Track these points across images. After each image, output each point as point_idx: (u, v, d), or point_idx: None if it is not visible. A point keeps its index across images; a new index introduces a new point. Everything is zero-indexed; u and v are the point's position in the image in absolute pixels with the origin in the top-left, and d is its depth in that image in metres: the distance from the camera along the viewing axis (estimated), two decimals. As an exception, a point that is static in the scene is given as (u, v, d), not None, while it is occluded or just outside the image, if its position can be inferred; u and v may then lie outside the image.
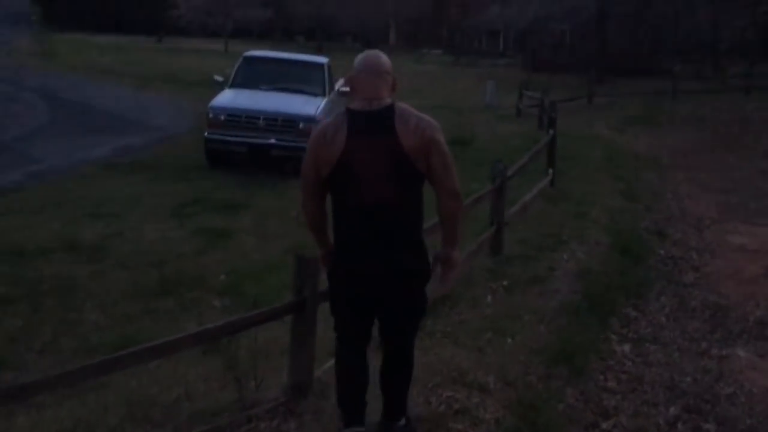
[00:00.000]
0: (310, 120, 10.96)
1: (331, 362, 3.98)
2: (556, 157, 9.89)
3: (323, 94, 12.04)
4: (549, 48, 36.34)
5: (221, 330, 3.37)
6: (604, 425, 3.86)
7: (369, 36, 49.87)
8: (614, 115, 18.51)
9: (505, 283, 5.65)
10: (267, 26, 47.85)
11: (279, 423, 3.47)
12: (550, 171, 9.38)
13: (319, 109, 11.35)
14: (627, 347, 4.88)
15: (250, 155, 10.90)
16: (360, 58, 3.06)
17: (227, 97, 11.57)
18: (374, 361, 3.25)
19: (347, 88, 13.65)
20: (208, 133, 11.03)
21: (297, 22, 51.18)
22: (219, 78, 12.32)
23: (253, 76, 12.14)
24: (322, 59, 13.45)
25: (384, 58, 3.07)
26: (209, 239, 7.62)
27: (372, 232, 2.92)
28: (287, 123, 10.93)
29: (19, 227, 7.58)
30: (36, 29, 52.11)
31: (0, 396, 3.00)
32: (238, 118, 10.99)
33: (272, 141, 10.85)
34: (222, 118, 11.01)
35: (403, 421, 3.27)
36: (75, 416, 3.79)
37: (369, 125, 2.91)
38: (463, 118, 17.42)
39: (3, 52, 33.75)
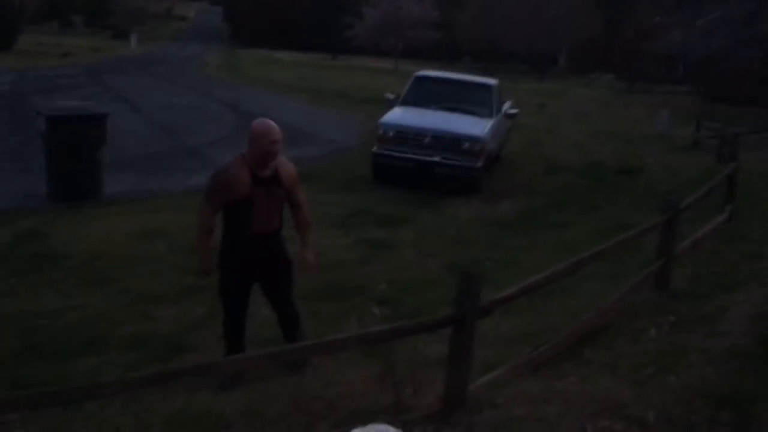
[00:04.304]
0: (476, 140, 11.08)
1: (488, 377, 4.05)
2: (737, 192, 9.27)
3: (491, 116, 12.11)
4: (730, 77, 34.03)
5: (385, 334, 3.55)
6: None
7: (537, 58, 49.31)
8: (806, 151, 16.98)
9: (671, 318, 5.41)
10: (435, 47, 48.81)
11: (432, 431, 3.59)
12: (729, 207, 8.81)
13: (486, 130, 11.43)
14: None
15: (415, 172, 11.15)
16: None
17: (397, 114, 11.95)
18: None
19: (515, 110, 13.67)
20: (376, 148, 11.43)
21: (465, 43, 51.73)
22: (390, 96, 12.75)
23: (424, 95, 12.47)
24: (492, 81, 13.53)
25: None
26: (371, 250, 7.93)
27: None
28: (453, 142, 11.10)
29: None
30: (224, 45, 56.68)
31: (187, 372, 3.38)
32: (406, 135, 11.30)
33: (437, 159, 11.05)
34: (391, 134, 11.38)
35: None
36: (247, 402, 4.13)
37: None
38: (633, 146, 16.78)
39: (194, 65, 37.02)
